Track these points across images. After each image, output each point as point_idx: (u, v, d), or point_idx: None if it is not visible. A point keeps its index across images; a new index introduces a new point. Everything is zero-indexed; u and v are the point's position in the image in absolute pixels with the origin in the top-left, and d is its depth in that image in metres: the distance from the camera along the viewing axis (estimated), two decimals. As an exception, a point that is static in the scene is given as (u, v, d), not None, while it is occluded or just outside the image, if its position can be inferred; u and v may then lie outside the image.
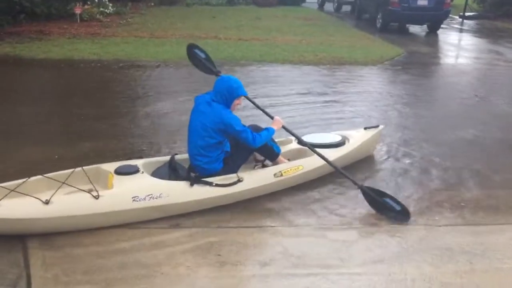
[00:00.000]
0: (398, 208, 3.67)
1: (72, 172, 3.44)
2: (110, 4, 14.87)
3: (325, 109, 6.66)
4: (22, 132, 5.17)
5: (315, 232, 3.47)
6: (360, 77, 8.87)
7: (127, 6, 15.99)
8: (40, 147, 4.72)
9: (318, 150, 4.04)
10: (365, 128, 4.83)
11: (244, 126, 3.69)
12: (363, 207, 3.80)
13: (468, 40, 15.00)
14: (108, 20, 13.85)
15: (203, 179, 3.59)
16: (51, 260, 3.00)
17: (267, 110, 4.39)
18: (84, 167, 3.53)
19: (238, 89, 3.69)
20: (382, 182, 4.33)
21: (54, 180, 3.34)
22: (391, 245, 3.31)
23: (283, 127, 4.04)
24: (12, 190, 3.16)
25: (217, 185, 3.58)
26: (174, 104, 6.45)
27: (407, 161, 4.86)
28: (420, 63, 10.48)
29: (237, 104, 3.75)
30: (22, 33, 11.04)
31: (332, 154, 4.18)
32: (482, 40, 15.11)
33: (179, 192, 3.49)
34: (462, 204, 3.97)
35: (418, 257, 3.16)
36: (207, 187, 3.56)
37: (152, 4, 17.96)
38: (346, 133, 4.76)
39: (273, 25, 14.52)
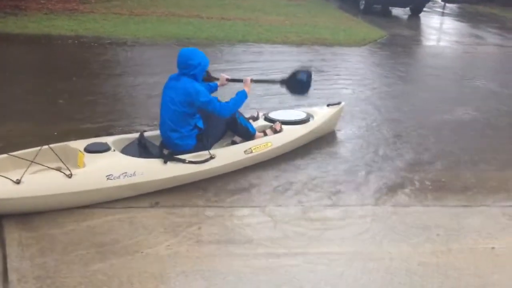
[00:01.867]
0: (305, 76, 4.15)
1: (39, 150, 3.32)
2: (88, -21, 14.47)
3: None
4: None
5: (292, 211, 3.48)
6: (343, 58, 8.87)
7: (106, -18, 15.59)
8: (17, 125, 4.60)
9: (285, 126, 4.34)
10: (328, 105, 4.96)
11: (211, 96, 3.68)
12: (340, 187, 3.86)
13: (450, 24, 15.09)
14: (86, -4, 13.51)
15: (176, 156, 3.60)
16: (28, 240, 2.94)
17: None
18: (51, 145, 3.38)
19: (207, 60, 3.71)
20: (357, 160, 4.40)
21: (21, 158, 3.21)
22: (368, 225, 3.34)
23: (254, 80, 4.14)
24: None
25: (190, 162, 3.60)
26: (153, 82, 6.35)
27: (383, 139, 4.93)
28: (402, 45, 10.51)
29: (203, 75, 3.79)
30: (-4, 8, 10.71)
31: (298, 130, 4.38)
32: (463, 24, 15.21)
33: (153, 170, 3.48)
34: (439, 185, 4.03)
35: (396, 237, 3.21)
36: (180, 164, 3.57)
37: (133, -20, 17.54)
38: (310, 110, 4.88)
39: (257, 4, 14.35)
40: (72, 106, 5.26)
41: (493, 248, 3.17)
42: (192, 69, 3.62)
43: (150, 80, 6.50)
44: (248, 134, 4.12)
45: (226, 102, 3.79)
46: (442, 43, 11.88)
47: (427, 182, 4.06)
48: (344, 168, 4.22)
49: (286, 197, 3.67)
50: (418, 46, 11.16)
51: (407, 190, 3.89)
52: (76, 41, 8.42)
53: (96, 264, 2.75)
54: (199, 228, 3.17)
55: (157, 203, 3.42)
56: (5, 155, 3.31)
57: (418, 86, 7.45)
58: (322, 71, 7.65)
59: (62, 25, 9.49)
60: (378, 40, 10.74)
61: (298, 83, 4.27)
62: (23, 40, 8.32)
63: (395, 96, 6.62)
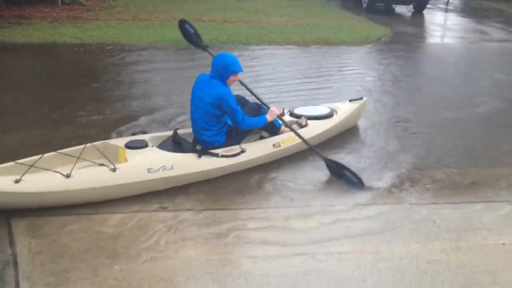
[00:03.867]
0: (355, 180, 3.88)
1: (84, 148, 3.59)
2: (92, -13, 14.56)
3: (313, 85, 6.74)
4: (4, 118, 5.07)
5: (301, 212, 3.47)
6: (347, 57, 8.87)
7: (109, -12, 15.68)
8: (25, 133, 4.64)
9: (310, 121, 4.53)
10: (350, 100, 5.09)
11: (238, 105, 3.86)
12: (344, 187, 3.86)
13: (454, 20, 15.03)
14: (90, 3, 13.57)
15: (210, 151, 3.82)
16: (38, 247, 2.96)
17: (255, 88, 4.51)
18: (93, 143, 3.70)
19: (234, 66, 3.82)
20: (367, 158, 4.41)
21: (68, 155, 3.49)
22: (377, 224, 3.33)
23: (278, 117, 4.21)
24: (32, 166, 3.28)
25: (222, 156, 3.84)
26: (158, 87, 6.38)
27: (392, 137, 4.94)
28: (406, 43, 10.48)
29: (234, 80, 3.90)
30: (1, 18, 10.76)
31: (322, 125, 4.58)
32: (467, 19, 15.15)
33: (189, 164, 3.71)
34: (448, 182, 4.01)
35: (405, 235, 3.19)
36: (214, 158, 3.81)
37: (135, -14, 17.62)
38: (333, 105, 5.02)
39: (258, 6, 14.37)
40: (79, 112, 5.29)
41: (503, 244, 3.15)
42: (224, 74, 3.80)
43: (155, 84, 6.54)
44: (273, 129, 4.30)
45: (249, 118, 3.94)
46: (446, 40, 11.83)
47: (435, 180, 4.04)
48: (348, 164, 4.21)
49: (294, 197, 3.66)
50: (423, 44, 11.12)
51: (414, 188, 3.88)
52: (81, 49, 8.48)
53: (106, 269, 2.76)
54: (207, 231, 3.17)
55: (165, 207, 3.43)
56: (53, 153, 3.57)
57: (424, 84, 7.43)
58: (325, 71, 7.65)
59: (67, 33, 9.55)
60: (382, 39, 10.72)
61: (341, 173, 3.99)
62: (29, 49, 8.39)
63: (401, 94, 6.61)
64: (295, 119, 4.61)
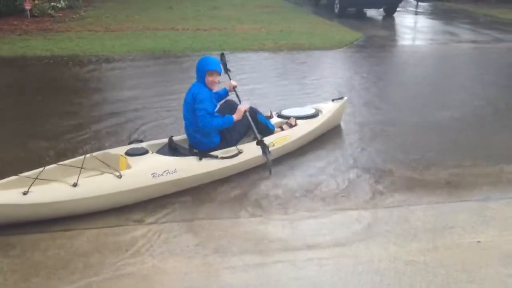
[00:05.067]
0: (267, 155, 4.10)
1: (84, 158, 3.60)
2: (62, -1, 14.37)
3: (290, 89, 6.84)
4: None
5: (278, 220, 3.46)
6: (321, 61, 8.96)
7: (79, -1, 15.51)
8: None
9: (298, 121, 4.71)
10: (332, 100, 5.35)
11: (208, 108, 3.87)
12: (320, 191, 3.87)
13: (424, 22, 15.31)
14: (60, 15, 13.42)
15: (209, 153, 3.93)
16: (11, 266, 2.89)
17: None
18: (93, 154, 3.74)
19: (207, 65, 3.97)
20: (339, 162, 4.43)
21: (70, 166, 3.52)
22: (355, 228, 3.34)
23: (235, 88, 4.40)
24: (37, 178, 3.29)
25: (221, 157, 3.94)
26: (133, 98, 6.32)
27: (365, 138, 5.01)
28: (378, 46, 10.62)
29: (211, 80, 3.98)
30: (-32, 32, 10.56)
31: (311, 124, 4.76)
32: (436, 21, 15.44)
33: (191, 167, 3.81)
34: (421, 182, 4.06)
35: (383, 238, 3.21)
36: (214, 160, 3.91)
37: (107, -4, 17.46)
38: (317, 105, 5.24)
39: (231, 14, 14.41)
40: (50, 125, 5.19)
41: (478, 242, 3.19)
42: (200, 74, 3.99)
43: (127, 94, 6.46)
44: (268, 131, 4.43)
45: (214, 119, 3.92)
46: (418, 42, 12.03)
47: (410, 181, 4.09)
48: (324, 169, 4.24)
49: (271, 205, 3.66)
50: (394, 46, 11.28)
51: (389, 190, 3.90)
52: (51, 61, 8.35)
53: (81, 286, 2.70)
54: (185, 243, 3.13)
55: (141, 221, 3.37)
56: (54, 165, 3.59)
57: (397, 85, 7.54)
58: (300, 76, 7.69)
59: (37, 46, 9.41)
60: (355, 42, 10.84)
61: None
62: (-3, 63, 8.22)
63: (375, 95, 6.68)
64: (284, 120, 4.79)
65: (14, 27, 11.36)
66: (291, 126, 4.67)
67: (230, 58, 8.93)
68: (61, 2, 14.24)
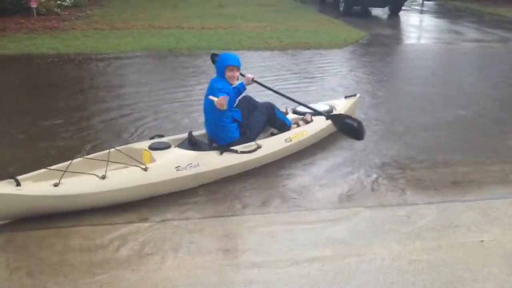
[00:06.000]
0: (355, 124, 4.47)
1: (109, 152, 3.73)
2: (68, -3, 14.42)
3: (298, 87, 6.82)
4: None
5: (282, 218, 3.46)
6: (327, 60, 8.94)
7: (85, -3, 15.56)
8: (3, 148, 4.56)
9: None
10: (345, 97, 5.48)
11: (227, 91, 3.97)
12: (325, 190, 3.86)
13: (429, 21, 15.28)
14: (66, 13, 13.48)
15: (229, 147, 4.02)
16: (16, 262, 2.91)
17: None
18: (117, 148, 3.85)
19: (226, 60, 4.12)
20: (346, 158, 4.46)
21: (96, 160, 3.65)
22: (359, 227, 3.34)
23: (254, 80, 4.44)
24: (66, 171, 3.39)
25: (242, 152, 4.04)
26: (139, 96, 6.34)
27: (372, 136, 4.99)
28: (383, 45, 10.61)
29: (231, 75, 4.11)
30: (-25, 30, 10.62)
31: (325, 121, 4.79)
32: (442, 20, 15.41)
33: (213, 161, 3.91)
34: (426, 182, 4.05)
35: (386, 236, 3.21)
36: (234, 155, 4.00)
37: (112, -5, 17.50)
38: (331, 102, 5.35)
39: (236, 12, 14.42)
40: (57, 122, 5.22)
41: (482, 241, 3.19)
42: (220, 69, 4.13)
43: (134, 91, 6.49)
44: (285, 127, 4.56)
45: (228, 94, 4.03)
46: (423, 41, 12.01)
47: (415, 180, 4.08)
48: (330, 168, 4.25)
49: (274, 204, 3.66)
50: (399, 45, 11.26)
51: (394, 189, 3.91)
52: (56, 59, 8.39)
53: (85, 283, 2.72)
54: (190, 240, 3.15)
55: (145, 219, 3.39)
56: (80, 158, 3.72)
57: (403, 84, 7.51)
58: (307, 74, 7.69)
59: (43, 44, 9.45)
60: (360, 41, 10.83)
61: (346, 126, 4.58)
62: (4, 62, 8.26)
63: (382, 94, 6.67)
64: (299, 116, 4.91)
65: (20, 25, 11.41)
66: (307, 122, 4.79)
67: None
68: (67, 0, 14.29)
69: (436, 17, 16.05)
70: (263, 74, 7.55)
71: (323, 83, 7.20)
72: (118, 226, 3.29)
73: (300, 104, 4.77)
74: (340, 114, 4.70)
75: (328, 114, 4.70)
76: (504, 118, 5.78)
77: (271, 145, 4.29)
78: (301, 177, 4.11)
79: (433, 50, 10.61)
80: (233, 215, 3.49)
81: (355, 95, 5.58)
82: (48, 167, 3.50)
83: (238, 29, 11.71)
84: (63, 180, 3.31)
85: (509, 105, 6.34)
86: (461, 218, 3.47)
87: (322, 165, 4.36)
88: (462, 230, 3.31)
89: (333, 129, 4.90)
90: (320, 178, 4.10)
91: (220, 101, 3.71)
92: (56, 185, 3.27)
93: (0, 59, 8.39)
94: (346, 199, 3.74)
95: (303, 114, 4.93)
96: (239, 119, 4.20)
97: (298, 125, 4.73)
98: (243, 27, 11.94)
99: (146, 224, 3.33)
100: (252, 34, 11.06)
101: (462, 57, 9.95)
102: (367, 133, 4.83)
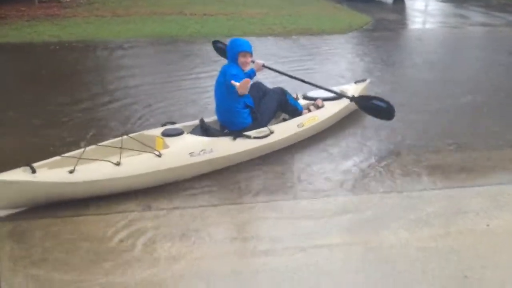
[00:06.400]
0: (384, 105, 4.43)
1: (122, 139, 3.71)
2: (69, -16, 14.27)
3: (305, 72, 6.67)
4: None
5: (288, 205, 3.42)
6: (331, 46, 8.88)
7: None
8: (8, 137, 4.52)
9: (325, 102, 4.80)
10: (355, 82, 5.49)
11: (238, 77, 3.93)
12: (334, 177, 3.81)
13: (434, 5, 15.09)
14: (67, 0, 13.37)
15: (243, 133, 4.00)
16: (21, 252, 2.88)
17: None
18: (129, 135, 3.83)
19: (239, 46, 4.09)
20: (353, 144, 4.40)
21: (109, 146, 3.63)
22: (365, 214, 3.30)
23: (265, 66, 4.51)
24: (80, 158, 3.39)
25: (255, 137, 4.02)
26: (144, 83, 6.29)
27: (379, 122, 4.86)
28: (388, 30, 10.50)
29: (244, 61, 4.10)
30: (-24, 18, 10.54)
31: (337, 105, 4.84)
32: (447, 4, 15.20)
33: (226, 146, 3.89)
34: (435, 168, 4.00)
35: (394, 224, 3.16)
36: (247, 140, 3.99)
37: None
38: (341, 87, 5.28)
39: (239, -1, 14.26)
40: (62, 114, 5.16)
41: (488, 225, 3.13)
42: (233, 55, 4.09)
43: (137, 79, 6.43)
44: (296, 112, 4.52)
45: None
46: (428, 25, 11.86)
47: (424, 166, 4.02)
48: (338, 154, 4.19)
49: (278, 191, 3.62)
50: (404, 30, 11.14)
51: (402, 175, 3.85)
52: (57, 47, 8.32)
53: (91, 272, 2.69)
54: (195, 229, 3.11)
55: (149, 207, 3.36)
56: (93, 146, 3.69)
57: (411, 69, 7.43)
58: (312, 60, 7.61)
59: (44, 31, 9.39)
60: (364, 27, 10.72)
61: (374, 107, 4.56)
62: (5, 49, 8.21)
63: (389, 79, 6.59)
64: (310, 102, 4.86)
65: (21, 13, 11.33)
66: (318, 107, 4.76)
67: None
68: (68, -13, 14.15)
69: (441, 1, 15.83)
70: (267, 60, 7.45)
71: (329, 69, 7.13)
72: (123, 214, 3.25)
73: (320, 87, 4.72)
74: (367, 96, 4.65)
75: (353, 97, 4.66)
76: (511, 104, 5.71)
77: (284, 130, 4.27)
78: (309, 164, 4.06)
79: (439, 34, 10.49)
80: (239, 203, 3.45)
81: (365, 80, 5.53)
82: (62, 155, 3.49)
83: (240, 15, 11.60)
84: (78, 167, 3.30)
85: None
86: (470, 204, 3.41)
87: (330, 151, 4.30)
88: (471, 216, 3.25)
89: (342, 115, 4.90)
90: (328, 164, 4.05)
91: (244, 84, 3.76)
92: (71, 172, 3.26)
93: (2, 46, 8.33)
94: (354, 186, 3.70)
95: (314, 99, 4.89)
96: (251, 105, 4.16)
97: (310, 111, 4.70)
98: (245, 13, 11.82)
99: (152, 213, 3.29)
100: (254, 20, 10.95)
101: (469, 41, 9.83)
102: (372, 118, 4.78)
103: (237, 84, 3.80)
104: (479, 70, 7.26)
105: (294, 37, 9.41)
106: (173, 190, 3.58)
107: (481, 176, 3.89)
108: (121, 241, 2.97)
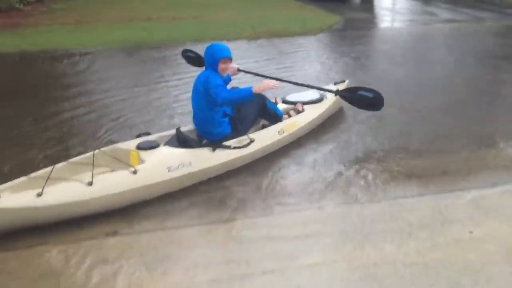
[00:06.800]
0: (371, 95, 4.16)
1: (94, 154, 3.41)
2: (30, -9, 13.77)
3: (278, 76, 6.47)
4: None
5: (264, 222, 3.21)
6: (302, 47, 8.75)
7: (49, -8, 14.91)
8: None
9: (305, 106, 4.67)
10: (335, 83, 5.28)
11: (220, 84, 3.73)
12: (313, 187, 3.63)
13: (402, 3, 15.14)
14: (29, 8, 12.90)
15: (222, 143, 3.81)
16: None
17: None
18: (102, 149, 3.57)
19: (220, 52, 3.84)
20: (328, 148, 4.20)
21: (80, 163, 3.39)
22: (347, 228, 3.11)
23: (239, 70, 4.32)
24: (49, 178, 3.10)
25: (235, 147, 3.84)
26: (110, 94, 6.00)
27: (354, 125, 4.82)
28: (358, 28, 10.44)
29: (224, 67, 3.87)
30: None
31: (317, 108, 4.72)
32: (415, 2, 15.29)
33: (205, 158, 3.70)
34: (414, 173, 3.85)
35: (378, 238, 2.98)
36: (227, 151, 3.80)
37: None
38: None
39: (209, 2, 14.02)
40: (25, 130, 4.82)
41: (473, 233, 2.99)
42: (213, 62, 3.82)
43: (102, 88, 6.14)
44: (276, 117, 4.34)
45: (230, 90, 3.82)
46: (397, 24, 11.86)
47: (403, 171, 3.88)
48: (313, 163, 4.02)
49: (255, 207, 3.40)
50: (374, 29, 11.10)
51: (381, 182, 3.68)
52: (19, 58, 7.93)
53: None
54: (165, 256, 2.86)
55: (115, 232, 3.10)
56: (64, 163, 3.42)
57: (382, 69, 7.34)
58: (286, 63, 7.43)
59: (4, 42, 8.95)
60: (334, 26, 10.63)
61: (360, 98, 4.27)
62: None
63: (362, 80, 6.44)
64: (289, 106, 4.71)
65: (-21, 23, 10.84)
66: (298, 112, 4.59)
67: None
68: (29, -5, 13.67)
69: (410, -1, 15.94)
70: (240, 64, 7.26)
71: (305, 71, 6.96)
72: (85, 241, 2.97)
73: (300, 85, 4.47)
74: (352, 88, 4.40)
75: (337, 91, 4.41)
76: (485, 101, 5.64)
77: (264, 138, 4.08)
78: (287, 175, 3.87)
79: (408, 32, 10.49)
80: (213, 223, 3.21)
81: (343, 81, 5.40)
82: (29, 175, 3.21)
83: (210, 19, 11.38)
84: (46, 189, 3.02)
85: (490, 89, 6.20)
86: (455, 212, 3.27)
87: (308, 159, 4.12)
88: (456, 226, 3.10)
89: (323, 118, 4.76)
90: (306, 174, 3.86)
91: (266, 86, 3.70)
92: (39, 194, 2.98)
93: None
94: (333, 196, 3.51)
95: (294, 103, 4.73)
96: (230, 113, 3.97)
97: (290, 115, 4.53)
98: (215, 17, 11.61)
99: (117, 239, 3.02)
100: (225, 24, 10.76)
101: (438, 39, 9.82)
102: (351, 122, 4.62)
103: (259, 89, 3.69)
104: (450, 69, 7.21)
105: (264, 40, 9.23)
106: (141, 209, 3.33)
107: (461, 180, 3.75)
108: (82, 273, 2.70)
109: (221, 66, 3.85)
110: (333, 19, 11.30)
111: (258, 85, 3.75)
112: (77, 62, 7.78)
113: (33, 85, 6.59)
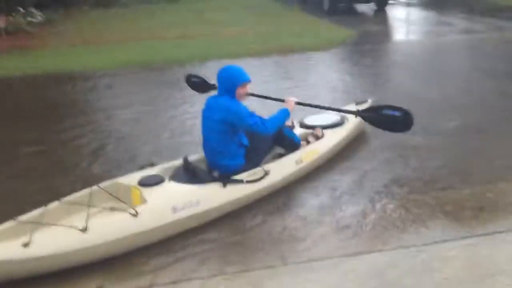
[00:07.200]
0: (398, 114, 3.70)
1: (90, 192, 3.14)
2: (39, 13, 13.65)
3: (291, 94, 6.07)
4: None
5: (271, 274, 2.80)
6: (315, 63, 8.41)
7: (58, 13, 14.81)
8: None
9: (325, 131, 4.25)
10: (356, 104, 4.81)
11: (255, 118, 3.47)
12: (330, 234, 3.20)
13: (417, 14, 14.73)
14: (37, 30, 12.76)
15: (233, 177, 3.42)
16: None
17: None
18: (100, 185, 3.24)
19: (239, 76, 3.53)
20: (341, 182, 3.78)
21: (75, 203, 3.07)
22: (372, 283, 2.68)
23: (299, 103, 3.85)
24: (38, 223, 2.82)
25: (248, 181, 3.45)
26: (114, 119, 5.70)
27: (373, 150, 4.42)
28: (372, 43, 10.01)
29: (243, 93, 3.56)
30: None
31: (338, 133, 4.32)
32: (430, 12, 14.86)
33: (215, 195, 3.33)
34: (443, 209, 3.39)
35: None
36: (240, 185, 3.42)
37: (87, 8, 16.74)
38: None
39: (218, 18, 13.75)
40: (23, 159, 4.57)
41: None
42: (231, 87, 3.49)
43: (106, 114, 5.83)
44: (293, 145, 3.95)
45: (269, 119, 3.57)
46: (413, 36, 11.44)
47: (426, 208, 3.43)
48: (328, 200, 3.60)
49: (265, 253, 3.00)
50: (389, 42, 10.68)
51: (404, 224, 3.23)
52: (21, 81, 7.73)
53: None
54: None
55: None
56: (56, 202, 3.11)
57: (400, 86, 6.91)
58: (298, 81, 7.07)
59: (7, 66, 8.75)
60: (347, 41, 10.22)
61: (386, 119, 3.81)
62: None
63: (379, 97, 6.01)
64: (308, 131, 4.32)
65: (-16, 46, 10.71)
66: (317, 138, 4.18)
67: (216, 66, 8.28)
68: (38, 17, 13.54)
69: (424, 9, 15.51)
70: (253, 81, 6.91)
71: (319, 90, 6.57)
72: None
73: (321, 107, 4.02)
74: (375, 106, 3.98)
75: (358, 111, 3.96)
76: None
77: (280, 169, 3.69)
78: (299, 217, 3.43)
79: (426, 44, 10.05)
80: (217, 275, 2.82)
81: (366, 100, 4.91)
82: (17, 218, 2.89)
83: (219, 35, 11.08)
84: (35, 236, 2.70)
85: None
86: (498, 262, 2.79)
87: (322, 195, 3.70)
88: (502, 280, 2.64)
89: (345, 143, 4.37)
90: (321, 214, 3.43)
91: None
92: (26, 245, 2.65)
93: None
94: (350, 245, 3.05)
95: (313, 127, 4.31)
96: (246, 144, 3.62)
97: (308, 142, 4.12)
98: (224, 33, 11.31)
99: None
100: (235, 40, 10.45)
101: (456, 51, 9.36)
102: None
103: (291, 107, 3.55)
104: (473, 83, 6.74)
105: (275, 56, 8.87)
106: (136, 259, 2.95)
107: (501, 218, 3.29)
108: None
109: (240, 91, 3.52)
110: (346, 32, 10.90)
111: (288, 104, 3.69)
112: (79, 85, 7.54)
113: (28, 110, 6.32)
